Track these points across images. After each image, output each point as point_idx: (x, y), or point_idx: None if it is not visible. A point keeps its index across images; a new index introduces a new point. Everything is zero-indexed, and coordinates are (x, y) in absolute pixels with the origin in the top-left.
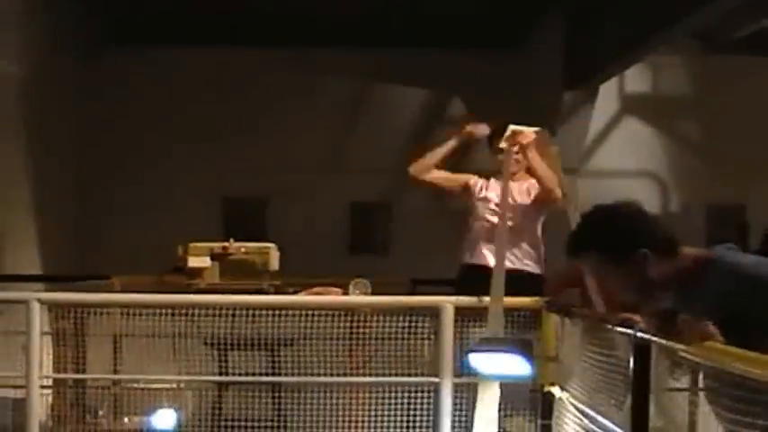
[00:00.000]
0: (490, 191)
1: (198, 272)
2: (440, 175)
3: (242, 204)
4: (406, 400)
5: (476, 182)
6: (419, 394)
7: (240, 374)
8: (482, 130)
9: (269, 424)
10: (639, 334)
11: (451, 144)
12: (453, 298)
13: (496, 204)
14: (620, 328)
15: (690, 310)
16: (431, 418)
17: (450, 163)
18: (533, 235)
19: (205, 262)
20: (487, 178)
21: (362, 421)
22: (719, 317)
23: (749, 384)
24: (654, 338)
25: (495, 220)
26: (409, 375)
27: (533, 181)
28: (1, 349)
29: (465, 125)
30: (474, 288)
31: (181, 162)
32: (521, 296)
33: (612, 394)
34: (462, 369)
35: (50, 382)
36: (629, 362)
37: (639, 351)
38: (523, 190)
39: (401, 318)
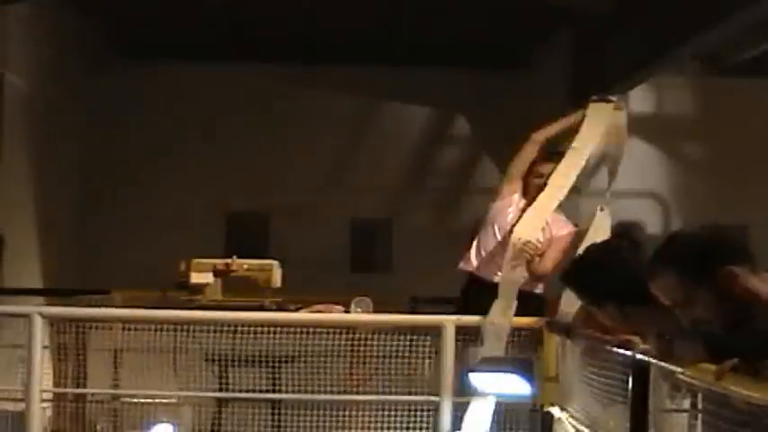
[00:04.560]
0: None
1: (200, 288)
2: (529, 159)
3: (245, 220)
4: (405, 419)
5: (518, 199)
6: (419, 413)
7: (240, 391)
8: None
9: None
10: (638, 355)
11: (573, 119)
12: (454, 317)
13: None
14: (619, 350)
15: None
16: None
17: None
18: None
19: (207, 278)
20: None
21: None
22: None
23: (741, 406)
24: (653, 360)
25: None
26: (409, 394)
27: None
28: (0, 362)
29: None
30: (479, 304)
31: (184, 177)
32: (522, 315)
33: (611, 415)
34: (462, 388)
35: (50, 396)
36: (627, 383)
37: (638, 372)
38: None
39: (402, 336)
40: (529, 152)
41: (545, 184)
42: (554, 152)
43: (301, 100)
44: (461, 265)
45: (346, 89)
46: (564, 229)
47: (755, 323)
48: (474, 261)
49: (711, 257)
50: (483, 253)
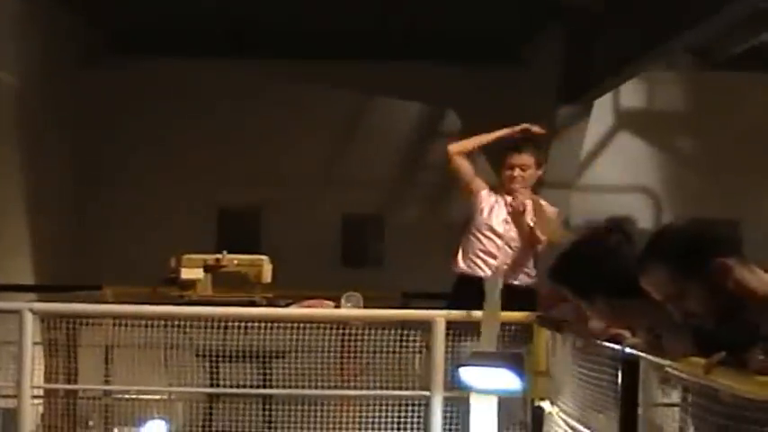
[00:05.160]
0: (498, 208)
1: (190, 283)
2: (464, 165)
3: (236, 216)
4: (396, 414)
5: (487, 195)
6: (410, 408)
7: (231, 386)
8: (537, 129)
9: None
10: (627, 349)
11: (497, 134)
12: (445, 312)
13: (504, 222)
14: (608, 344)
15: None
16: (421, 431)
17: None
18: (526, 251)
19: (198, 274)
20: (497, 193)
21: None
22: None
23: (728, 400)
24: (642, 354)
25: (494, 237)
26: (400, 389)
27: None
28: None
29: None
30: (468, 299)
31: (175, 173)
32: (513, 310)
33: (602, 409)
34: (453, 383)
35: (41, 393)
36: (617, 377)
37: (627, 366)
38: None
39: (393, 331)
40: (460, 165)
41: (515, 176)
42: (525, 139)
43: (293, 95)
44: (453, 266)
45: (337, 84)
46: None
47: (746, 315)
48: (460, 261)
49: (702, 250)
50: (468, 252)
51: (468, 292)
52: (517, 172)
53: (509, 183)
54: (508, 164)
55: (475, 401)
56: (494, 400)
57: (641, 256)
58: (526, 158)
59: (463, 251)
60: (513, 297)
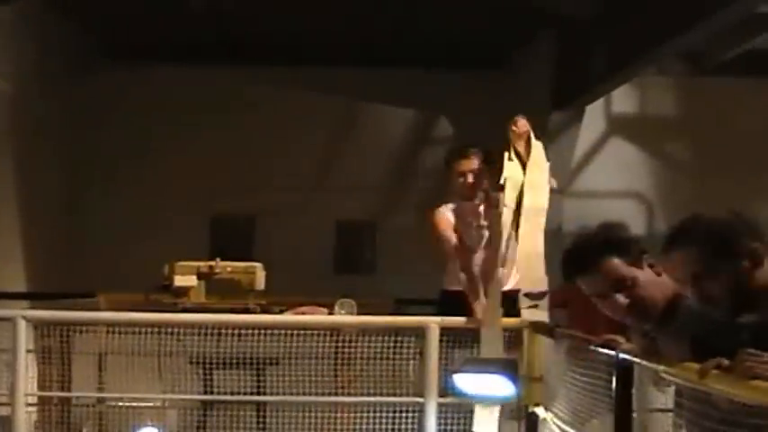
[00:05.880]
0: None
1: (184, 291)
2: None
3: (229, 223)
4: (390, 420)
5: (443, 215)
6: (404, 414)
7: (225, 393)
8: None
9: None
10: (622, 355)
11: None
12: (439, 318)
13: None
14: (602, 349)
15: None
16: None
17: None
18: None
19: (191, 281)
20: (446, 203)
21: None
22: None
23: (723, 405)
24: (636, 359)
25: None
26: (394, 395)
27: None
28: None
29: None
30: (452, 313)
31: (169, 180)
32: (505, 316)
33: (596, 415)
34: (447, 389)
35: (35, 400)
36: (611, 382)
37: (622, 372)
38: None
39: (386, 338)
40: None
41: (469, 182)
42: (467, 147)
43: (285, 102)
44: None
45: (330, 91)
46: None
47: (759, 313)
48: (447, 280)
49: (735, 234)
50: (453, 269)
51: (454, 307)
52: (470, 177)
53: (462, 189)
54: (458, 171)
55: (476, 408)
56: (495, 408)
57: (667, 238)
58: (475, 162)
59: (447, 271)
60: (503, 303)
